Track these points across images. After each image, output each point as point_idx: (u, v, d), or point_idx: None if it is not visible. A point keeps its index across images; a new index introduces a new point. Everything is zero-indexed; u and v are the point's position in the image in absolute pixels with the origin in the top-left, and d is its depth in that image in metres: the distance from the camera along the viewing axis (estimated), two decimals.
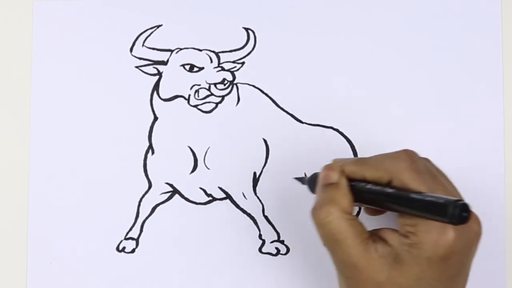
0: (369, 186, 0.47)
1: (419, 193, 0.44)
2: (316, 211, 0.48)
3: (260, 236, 0.59)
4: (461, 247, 0.45)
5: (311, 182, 0.52)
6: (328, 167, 0.49)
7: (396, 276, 0.45)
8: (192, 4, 0.61)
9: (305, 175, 0.57)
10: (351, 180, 0.49)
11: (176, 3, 0.61)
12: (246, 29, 0.60)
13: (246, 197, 0.59)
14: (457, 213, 0.41)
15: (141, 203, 0.60)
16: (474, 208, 0.54)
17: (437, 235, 0.44)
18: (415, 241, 0.45)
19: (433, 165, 0.50)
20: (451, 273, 0.45)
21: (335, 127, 0.59)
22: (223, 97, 0.60)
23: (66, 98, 0.61)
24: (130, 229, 0.60)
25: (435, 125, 0.58)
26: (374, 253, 0.46)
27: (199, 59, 0.60)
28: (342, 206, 0.47)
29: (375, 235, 0.47)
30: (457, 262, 0.45)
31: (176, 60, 0.60)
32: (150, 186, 0.60)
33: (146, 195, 0.60)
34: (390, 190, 0.46)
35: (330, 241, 0.47)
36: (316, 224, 0.48)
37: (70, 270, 0.60)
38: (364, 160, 0.49)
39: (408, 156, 0.47)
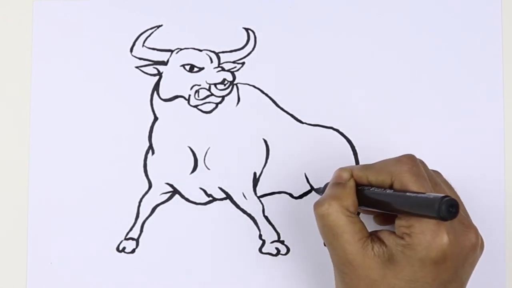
0: (372, 189, 0.50)
1: (414, 192, 0.46)
2: (318, 203, 0.49)
3: (260, 236, 0.59)
4: (454, 252, 0.46)
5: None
6: (341, 168, 0.52)
7: (390, 276, 0.46)
8: (192, 4, 0.61)
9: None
10: (358, 185, 0.51)
11: (176, 3, 0.61)
12: (246, 29, 0.60)
13: (246, 197, 0.59)
14: (444, 208, 0.43)
15: (141, 203, 0.60)
16: (474, 207, 0.54)
17: (431, 237, 0.45)
18: (409, 242, 0.46)
19: (429, 169, 0.52)
20: (444, 278, 0.46)
21: (335, 127, 0.59)
22: (223, 97, 0.60)
23: (66, 98, 0.61)
24: (130, 229, 0.60)
25: (435, 125, 0.58)
26: (370, 251, 0.47)
27: (199, 59, 0.60)
28: (344, 203, 0.49)
29: (374, 235, 0.48)
30: (450, 268, 0.46)
31: (176, 60, 0.60)
32: (150, 186, 0.60)
33: (146, 195, 0.60)
34: (389, 191, 0.48)
35: (328, 234, 0.49)
36: (317, 216, 0.49)
37: (70, 270, 0.60)
38: (369, 166, 0.51)
39: (410, 159, 0.49)
